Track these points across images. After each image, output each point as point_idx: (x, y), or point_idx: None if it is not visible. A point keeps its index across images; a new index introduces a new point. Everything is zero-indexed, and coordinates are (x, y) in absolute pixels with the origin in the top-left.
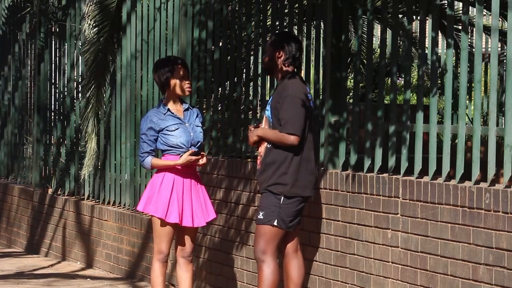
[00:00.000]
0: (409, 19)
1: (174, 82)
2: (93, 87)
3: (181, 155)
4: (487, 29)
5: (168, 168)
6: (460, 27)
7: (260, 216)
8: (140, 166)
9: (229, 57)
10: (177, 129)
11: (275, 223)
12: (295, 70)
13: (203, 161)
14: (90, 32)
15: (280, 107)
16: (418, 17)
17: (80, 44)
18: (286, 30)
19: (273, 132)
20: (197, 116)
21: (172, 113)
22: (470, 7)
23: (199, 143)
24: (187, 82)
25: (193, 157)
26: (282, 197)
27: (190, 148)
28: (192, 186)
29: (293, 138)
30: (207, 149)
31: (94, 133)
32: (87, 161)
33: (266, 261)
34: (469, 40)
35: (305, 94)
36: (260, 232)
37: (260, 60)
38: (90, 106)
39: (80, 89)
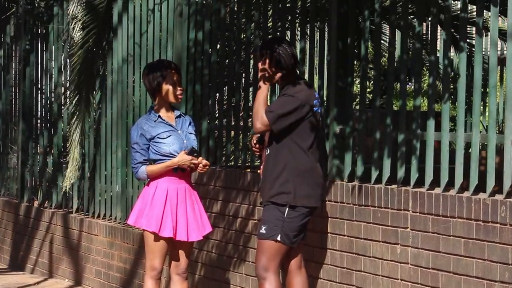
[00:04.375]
0: (419, 21)
1: (166, 87)
2: (81, 93)
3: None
4: (502, 34)
5: (161, 178)
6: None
7: (262, 230)
8: (132, 176)
9: (227, 61)
10: (169, 136)
11: (278, 238)
12: (296, 72)
13: (203, 163)
14: (77, 34)
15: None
16: (429, 18)
17: (68, 46)
18: (269, 38)
19: (262, 102)
20: (189, 124)
21: (163, 120)
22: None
23: None
24: (179, 88)
25: (189, 156)
26: (287, 209)
27: None
28: (186, 198)
29: (260, 122)
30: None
31: (78, 143)
32: (69, 172)
33: (268, 279)
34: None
35: (305, 98)
36: (262, 247)
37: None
38: (77, 114)
39: (68, 95)
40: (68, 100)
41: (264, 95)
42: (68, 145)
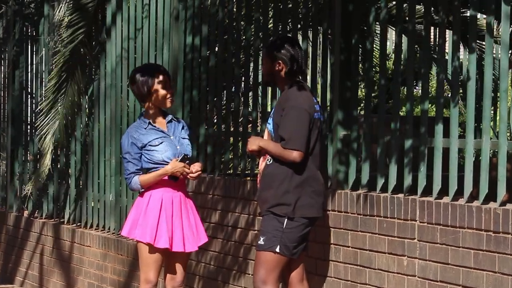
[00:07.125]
0: (426, 22)
1: (156, 92)
2: (60, 93)
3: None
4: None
5: (155, 187)
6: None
7: (261, 241)
8: (126, 185)
9: (226, 64)
10: (161, 143)
11: (277, 250)
12: (299, 77)
13: (196, 170)
14: (63, 32)
15: (282, 119)
16: (438, 16)
17: (53, 44)
18: (282, 35)
19: (275, 146)
20: (183, 128)
21: (154, 126)
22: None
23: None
24: (170, 92)
25: (181, 163)
26: (286, 220)
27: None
28: (182, 207)
29: (295, 154)
30: None
31: (50, 148)
32: (36, 177)
33: None
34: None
35: (309, 105)
36: (260, 259)
37: (260, 67)
38: (53, 114)
39: (44, 93)
40: (43, 98)
41: (266, 143)
42: (41, 147)
